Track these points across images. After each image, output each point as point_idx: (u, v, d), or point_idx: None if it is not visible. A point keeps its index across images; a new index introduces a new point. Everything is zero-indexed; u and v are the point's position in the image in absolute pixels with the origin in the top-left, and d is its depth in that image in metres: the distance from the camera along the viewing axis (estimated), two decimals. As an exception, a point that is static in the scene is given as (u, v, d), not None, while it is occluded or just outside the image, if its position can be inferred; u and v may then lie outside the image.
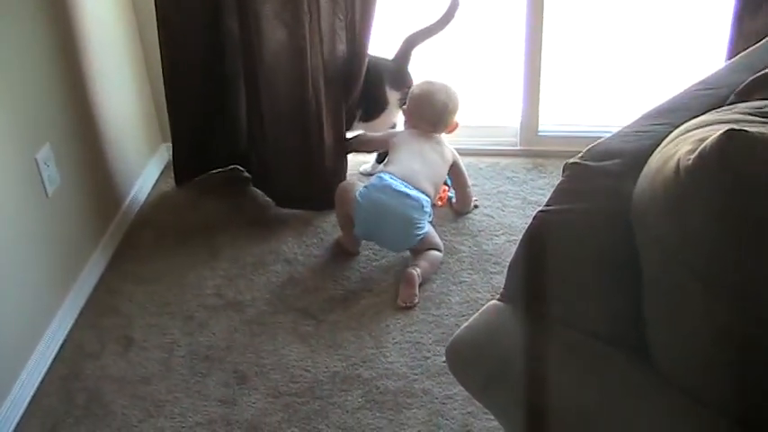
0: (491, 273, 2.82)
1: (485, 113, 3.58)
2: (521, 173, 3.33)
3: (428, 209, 2.84)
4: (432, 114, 3.01)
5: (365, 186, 2.84)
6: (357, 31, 2.96)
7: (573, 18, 3.60)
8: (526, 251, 1.65)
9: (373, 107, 3.17)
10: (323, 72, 2.97)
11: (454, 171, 3.04)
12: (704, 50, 3.32)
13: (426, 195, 2.84)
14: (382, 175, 2.85)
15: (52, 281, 2.64)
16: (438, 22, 3.07)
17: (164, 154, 3.55)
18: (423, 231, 2.81)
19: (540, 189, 3.20)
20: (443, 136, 3.06)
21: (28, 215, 2.50)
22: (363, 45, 3.00)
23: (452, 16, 3.05)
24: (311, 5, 2.83)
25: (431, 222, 2.90)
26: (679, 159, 1.31)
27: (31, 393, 2.46)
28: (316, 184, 3.14)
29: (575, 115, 3.58)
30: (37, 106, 2.56)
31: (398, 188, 2.79)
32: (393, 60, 3.17)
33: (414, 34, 3.13)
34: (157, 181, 3.46)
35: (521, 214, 3.08)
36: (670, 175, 1.32)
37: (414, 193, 2.80)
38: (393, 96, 3.17)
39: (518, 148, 3.46)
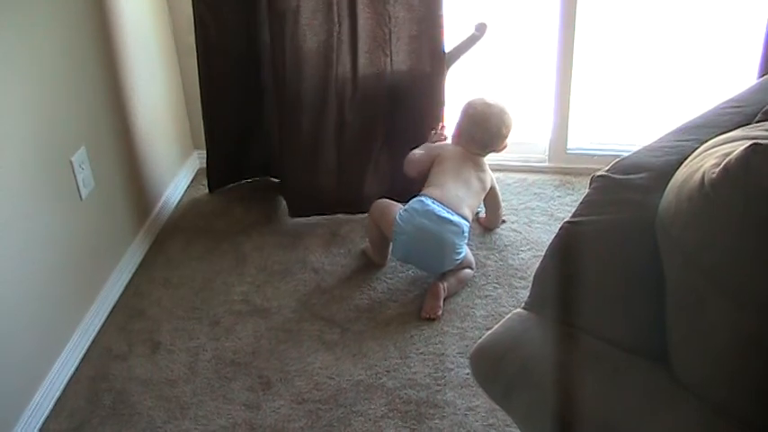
0: (516, 287, 2.83)
1: (514, 129, 3.59)
2: (548, 189, 3.34)
3: (467, 233, 2.81)
4: (483, 138, 2.96)
5: (405, 210, 2.79)
6: (410, 46, 2.98)
7: (604, 36, 3.60)
8: (552, 261, 1.66)
9: None
10: (350, 85, 3.01)
11: (490, 194, 3.02)
12: (736, 71, 3.31)
13: (466, 220, 2.81)
14: (423, 198, 2.80)
15: (82, 282, 2.67)
16: (464, 42, 3.01)
17: (195, 161, 3.59)
18: (462, 256, 2.80)
19: (567, 206, 3.20)
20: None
21: (62, 217, 2.54)
22: (424, 60, 3.00)
23: (478, 39, 3.00)
24: (341, 15, 2.88)
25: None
26: (704, 173, 1.32)
27: (58, 393, 2.49)
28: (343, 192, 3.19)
29: (604, 133, 3.58)
30: (74, 109, 2.60)
31: (441, 214, 2.75)
32: None
33: (449, 53, 3.04)
34: (188, 187, 3.50)
35: (547, 230, 3.08)
36: (695, 187, 1.33)
37: (455, 218, 2.76)
38: None
39: (546, 164, 3.47)
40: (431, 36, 2.94)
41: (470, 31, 2.99)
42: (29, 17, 2.35)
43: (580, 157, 3.40)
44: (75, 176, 2.58)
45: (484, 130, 2.96)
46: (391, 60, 2.97)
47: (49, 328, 2.48)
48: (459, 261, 2.79)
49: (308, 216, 3.21)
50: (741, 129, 1.58)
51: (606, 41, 3.64)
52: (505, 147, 3.04)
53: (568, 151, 3.43)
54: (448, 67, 3.05)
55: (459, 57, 3.04)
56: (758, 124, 1.60)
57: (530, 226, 3.13)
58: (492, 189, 3.01)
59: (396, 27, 2.92)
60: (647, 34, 3.70)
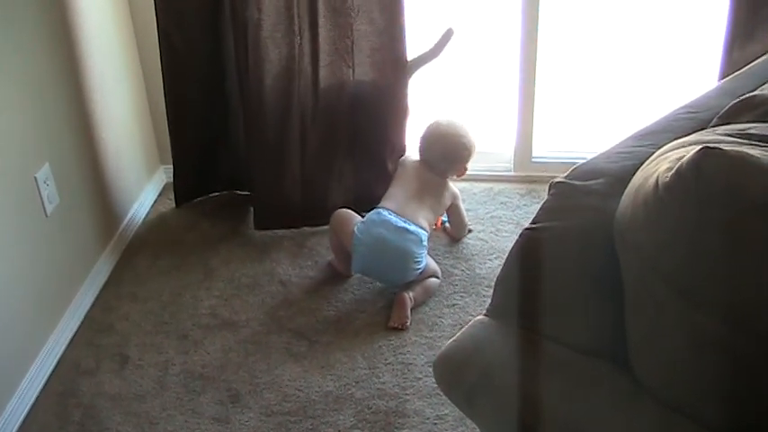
0: (484, 296, 2.84)
1: (479, 139, 3.61)
2: (514, 198, 3.36)
3: (425, 243, 2.83)
4: (429, 159, 2.98)
5: (362, 222, 2.83)
6: (371, 57, 3.00)
7: (567, 45, 3.64)
8: (513, 268, 1.68)
9: None
10: (312, 96, 3.02)
11: (452, 210, 3.04)
12: (696, 80, 3.35)
13: (423, 230, 2.83)
14: (381, 210, 2.83)
15: (50, 299, 2.66)
16: (431, 50, 3.04)
17: (161, 175, 3.58)
18: (422, 266, 2.81)
19: (533, 214, 3.15)
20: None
21: (27, 233, 2.53)
22: (384, 72, 3.03)
23: (445, 45, 3.03)
24: (302, 26, 2.90)
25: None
26: (658, 177, 1.34)
27: (27, 409, 2.48)
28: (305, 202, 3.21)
29: (568, 141, 3.60)
30: (38, 126, 2.59)
31: (398, 223, 2.78)
32: None
33: (413, 60, 3.06)
34: (155, 202, 3.49)
35: (514, 239, 3.05)
36: (649, 191, 1.35)
37: (412, 227, 2.79)
38: None
39: (512, 173, 3.49)
40: (392, 48, 2.97)
41: (436, 39, 3.01)
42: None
43: (545, 166, 3.42)
44: (39, 193, 2.57)
45: (430, 153, 2.99)
46: (354, 72, 2.99)
47: (16, 344, 2.46)
48: (419, 271, 2.80)
49: (274, 229, 3.22)
50: (696, 134, 1.60)
51: (569, 50, 3.68)
52: (463, 173, 3.05)
53: (533, 160, 3.45)
54: (411, 75, 3.07)
55: (422, 64, 3.06)
56: (712, 129, 1.62)
57: (496, 235, 3.15)
58: (454, 206, 3.03)
59: (358, 39, 2.94)
60: (610, 43, 3.74)
